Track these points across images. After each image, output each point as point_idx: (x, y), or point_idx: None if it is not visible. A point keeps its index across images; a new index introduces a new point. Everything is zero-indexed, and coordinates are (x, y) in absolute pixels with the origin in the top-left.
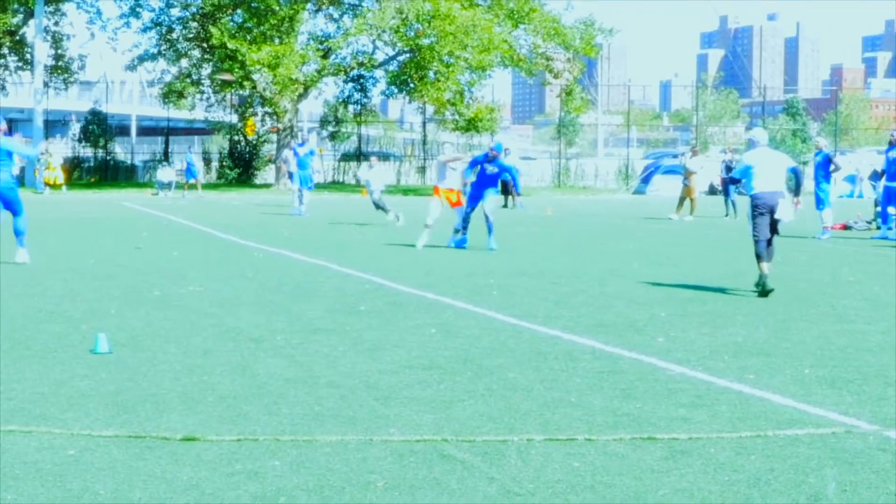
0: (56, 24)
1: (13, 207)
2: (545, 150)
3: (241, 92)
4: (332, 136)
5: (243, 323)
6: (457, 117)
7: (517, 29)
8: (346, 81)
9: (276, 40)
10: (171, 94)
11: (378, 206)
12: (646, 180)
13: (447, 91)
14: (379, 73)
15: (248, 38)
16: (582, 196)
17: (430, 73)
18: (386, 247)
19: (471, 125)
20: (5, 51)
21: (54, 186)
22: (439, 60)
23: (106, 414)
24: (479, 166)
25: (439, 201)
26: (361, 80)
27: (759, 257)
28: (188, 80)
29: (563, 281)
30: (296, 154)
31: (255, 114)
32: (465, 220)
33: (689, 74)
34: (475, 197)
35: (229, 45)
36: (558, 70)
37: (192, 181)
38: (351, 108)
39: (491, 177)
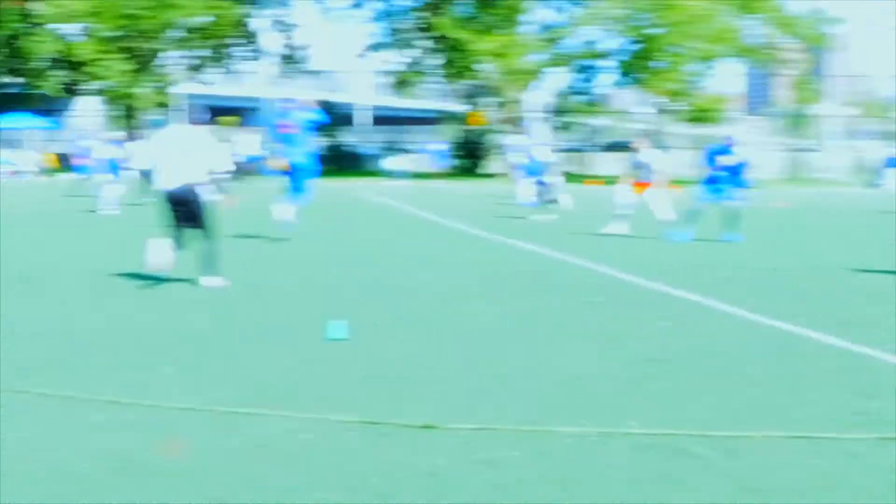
0: (285, 15)
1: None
2: (777, 142)
3: (469, 82)
4: (560, 127)
5: (480, 312)
6: (685, 108)
7: (746, 20)
8: (573, 71)
9: (504, 30)
10: (400, 84)
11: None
12: (881, 173)
13: (675, 81)
14: (607, 63)
15: (475, 28)
16: (815, 188)
17: (659, 64)
18: (620, 238)
19: (699, 116)
20: (236, 41)
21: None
22: (667, 51)
23: (343, 399)
24: (714, 157)
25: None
26: (589, 70)
27: None
28: (417, 70)
29: (802, 275)
30: (520, 146)
31: (482, 104)
32: (694, 215)
33: None
34: (715, 190)
35: (455, 36)
36: (789, 61)
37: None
38: (578, 98)
39: (727, 168)
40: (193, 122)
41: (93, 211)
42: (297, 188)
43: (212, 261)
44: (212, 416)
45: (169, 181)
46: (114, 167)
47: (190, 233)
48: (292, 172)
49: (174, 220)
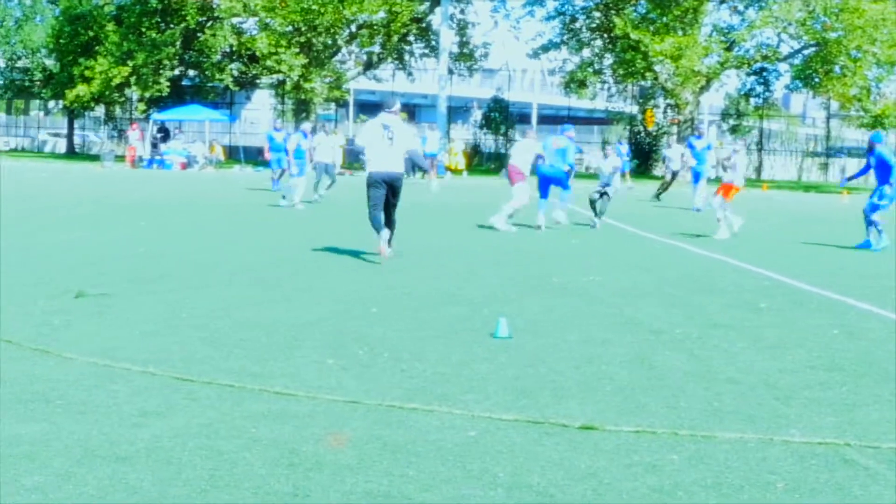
0: (462, 11)
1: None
2: None
3: (642, 83)
4: (733, 130)
5: (642, 314)
6: (862, 113)
7: None
8: (748, 74)
9: (680, 31)
10: (573, 83)
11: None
12: None
13: (853, 86)
14: (782, 66)
15: (652, 28)
16: None
17: (836, 68)
18: (784, 243)
19: (877, 122)
20: (412, 38)
21: (455, 171)
22: (846, 55)
23: (506, 398)
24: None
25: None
26: (764, 73)
27: None
28: (590, 70)
29: None
30: (691, 147)
31: (655, 105)
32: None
33: None
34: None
35: (632, 36)
36: None
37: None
38: (752, 101)
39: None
40: (392, 111)
41: (276, 205)
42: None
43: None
44: (377, 410)
45: (381, 165)
46: (301, 160)
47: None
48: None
49: (380, 202)
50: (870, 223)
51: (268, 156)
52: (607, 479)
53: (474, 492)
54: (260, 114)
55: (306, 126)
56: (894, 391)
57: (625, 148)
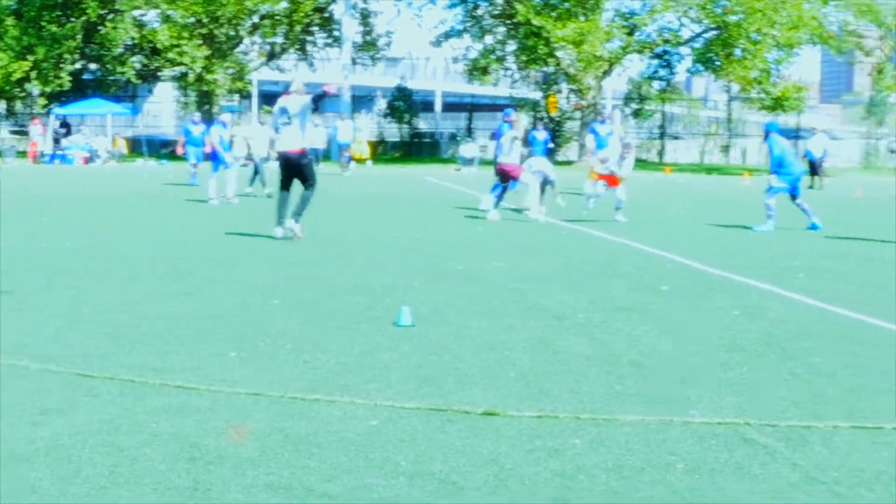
0: (364, 0)
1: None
2: (853, 130)
3: (545, 69)
4: (636, 114)
5: (545, 299)
6: (763, 96)
7: (827, 6)
8: (650, 58)
9: (581, 17)
10: (476, 70)
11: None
12: None
13: (754, 69)
14: (684, 50)
15: (554, 14)
16: (891, 177)
17: (737, 51)
18: (687, 226)
19: (777, 104)
20: (315, 28)
21: (360, 161)
22: (746, 38)
23: (408, 386)
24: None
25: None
26: (666, 57)
27: None
28: (493, 57)
29: (871, 264)
30: (594, 132)
31: (558, 91)
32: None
33: None
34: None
35: (535, 22)
36: (869, 48)
37: None
38: (655, 85)
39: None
40: (291, 92)
41: (203, 201)
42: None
43: (303, 209)
44: (279, 401)
45: (279, 146)
46: (228, 152)
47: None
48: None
49: (284, 184)
50: (799, 206)
51: (181, 150)
52: (509, 464)
53: (377, 481)
54: (163, 106)
55: (226, 117)
56: (793, 370)
57: (542, 134)
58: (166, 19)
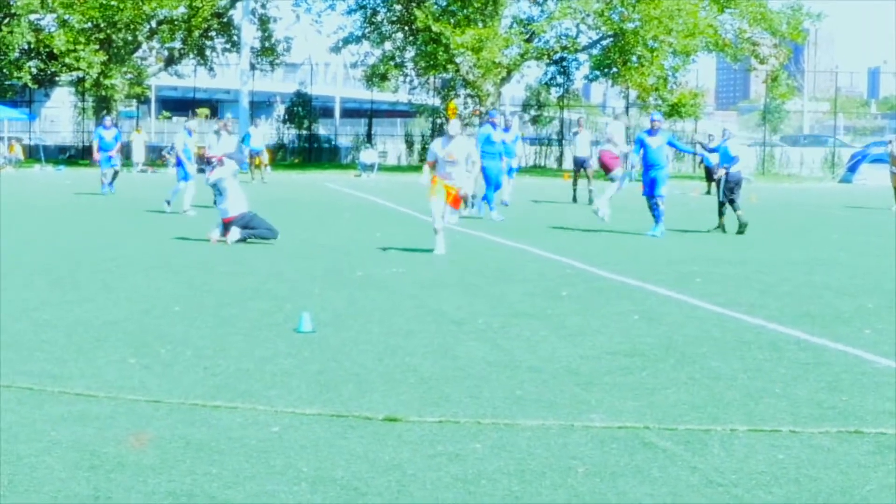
0: (263, 6)
1: None
2: (749, 137)
3: (444, 75)
4: (534, 120)
5: (445, 305)
6: (659, 102)
7: (723, 14)
8: (548, 64)
9: (480, 24)
10: (375, 77)
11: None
12: (852, 169)
13: (651, 76)
14: (582, 56)
15: (453, 21)
16: (787, 184)
17: (634, 58)
18: (587, 232)
19: (674, 110)
20: (213, 33)
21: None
22: (643, 45)
23: (309, 392)
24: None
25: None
26: (564, 63)
27: None
28: (391, 63)
29: (768, 269)
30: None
31: (457, 96)
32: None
33: None
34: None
35: (434, 28)
36: (764, 56)
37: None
38: (553, 91)
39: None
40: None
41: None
42: None
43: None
44: (179, 408)
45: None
46: (188, 161)
47: None
48: None
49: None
50: (652, 208)
51: (97, 156)
52: (411, 469)
53: (278, 487)
54: (60, 111)
55: (192, 124)
56: (692, 374)
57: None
58: (63, 24)
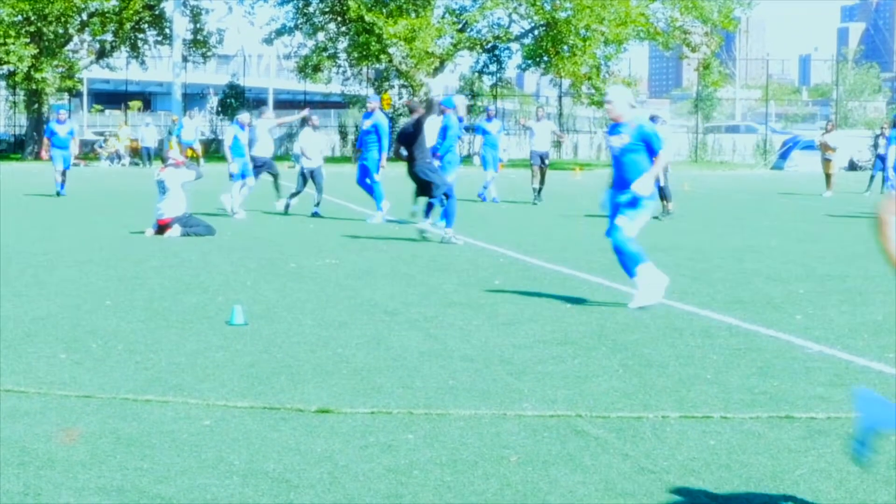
0: None
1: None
2: (682, 125)
3: (377, 66)
4: (469, 110)
5: (378, 295)
6: (592, 91)
7: (654, 2)
8: (480, 53)
9: (413, 14)
10: (308, 68)
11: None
12: (784, 156)
13: (583, 65)
14: (514, 45)
15: (385, 11)
16: (719, 171)
17: (566, 47)
18: (521, 221)
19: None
20: (145, 25)
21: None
22: (575, 34)
23: (241, 385)
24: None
25: None
26: (496, 52)
27: None
28: (324, 54)
29: (700, 257)
30: (482, 131)
31: (391, 87)
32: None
33: (830, 48)
34: None
35: (366, 18)
36: (696, 44)
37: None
38: (486, 80)
39: None
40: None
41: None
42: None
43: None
44: (110, 403)
45: None
46: (241, 157)
47: None
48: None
49: None
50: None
51: (45, 153)
52: (343, 461)
53: (210, 481)
54: None
55: (244, 117)
56: (624, 362)
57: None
58: None
